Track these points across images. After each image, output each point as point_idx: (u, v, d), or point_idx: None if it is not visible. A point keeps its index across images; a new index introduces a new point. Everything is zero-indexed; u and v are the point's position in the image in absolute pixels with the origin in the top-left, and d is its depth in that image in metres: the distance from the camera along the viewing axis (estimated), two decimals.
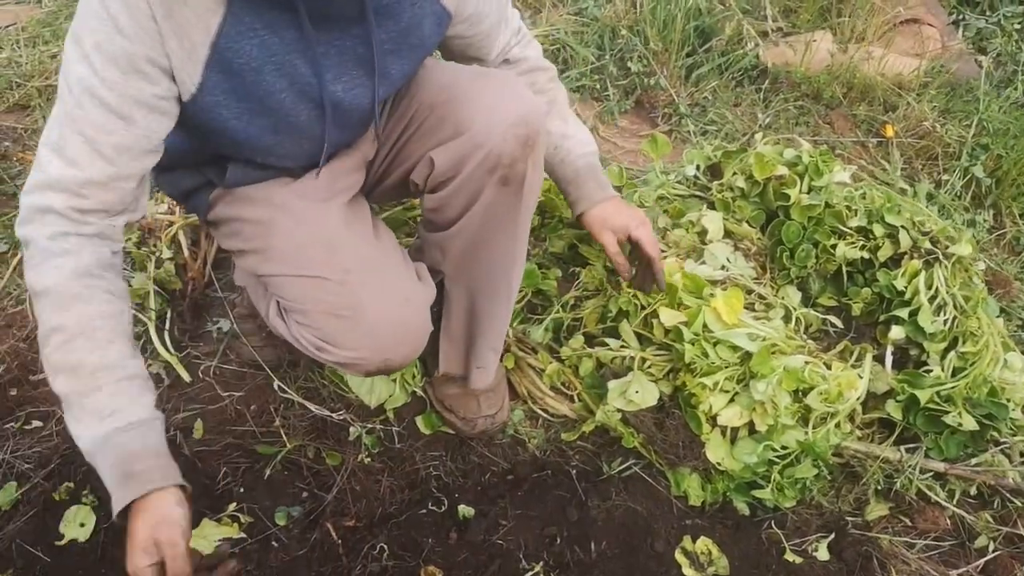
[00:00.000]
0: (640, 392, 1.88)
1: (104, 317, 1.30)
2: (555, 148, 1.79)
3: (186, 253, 2.12)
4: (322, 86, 1.39)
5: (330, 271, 1.50)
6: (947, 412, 1.90)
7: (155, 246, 2.13)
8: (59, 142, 1.25)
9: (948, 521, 1.85)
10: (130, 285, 2.05)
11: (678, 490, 1.86)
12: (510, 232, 1.65)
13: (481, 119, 1.51)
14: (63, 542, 1.61)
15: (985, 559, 1.79)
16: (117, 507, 1.26)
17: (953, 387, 1.93)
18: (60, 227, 1.27)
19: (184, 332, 2.02)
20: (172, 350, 1.95)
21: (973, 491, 1.92)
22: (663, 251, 2.13)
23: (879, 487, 1.89)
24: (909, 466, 1.88)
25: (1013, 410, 1.96)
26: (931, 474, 1.92)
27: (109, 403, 1.28)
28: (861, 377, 1.94)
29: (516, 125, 1.50)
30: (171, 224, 2.15)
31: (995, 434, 1.95)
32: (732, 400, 1.85)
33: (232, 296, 2.06)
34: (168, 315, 2.02)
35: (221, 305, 2.10)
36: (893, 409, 1.94)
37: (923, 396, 1.90)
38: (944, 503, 1.88)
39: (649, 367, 1.94)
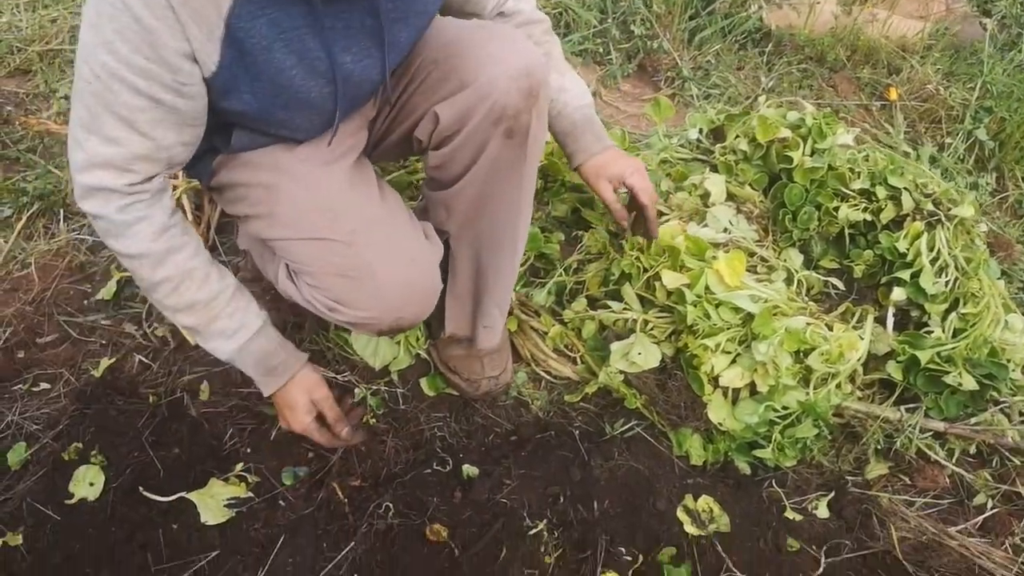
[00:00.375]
0: (642, 354, 1.90)
1: (193, 257, 1.48)
2: (552, 101, 1.77)
3: (189, 217, 2.12)
4: (332, 60, 1.38)
5: (337, 232, 1.51)
6: (947, 372, 1.91)
7: None
8: (93, 122, 1.28)
9: (947, 479, 1.87)
10: None
11: (680, 450, 1.87)
12: (515, 185, 1.65)
13: (485, 72, 1.51)
14: (73, 501, 1.63)
15: (983, 516, 1.81)
16: (267, 392, 1.63)
17: (953, 348, 1.94)
18: (122, 201, 1.36)
19: None
20: None
21: (972, 450, 1.94)
22: (666, 213, 2.14)
23: (879, 447, 1.91)
24: (909, 426, 1.90)
25: (1013, 370, 1.98)
26: (931, 434, 1.94)
27: (230, 324, 1.54)
28: (862, 338, 1.96)
29: (519, 77, 1.50)
30: (174, 188, 2.15)
31: (995, 394, 1.97)
32: (734, 361, 1.86)
33: (236, 260, 2.07)
34: None
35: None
36: (894, 370, 1.96)
37: (924, 357, 1.91)
38: (943, 462, 1.89)
39: (651, 329, 1.95)
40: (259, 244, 1.74)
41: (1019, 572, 1.71)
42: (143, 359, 1.90)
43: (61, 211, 2.19)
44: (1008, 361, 1.97)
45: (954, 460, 1.91)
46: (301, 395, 1.64)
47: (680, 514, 1.74)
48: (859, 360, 1.92)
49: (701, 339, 1.84)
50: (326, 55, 1.37)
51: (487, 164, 1.59)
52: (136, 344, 1.93)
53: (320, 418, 1.67)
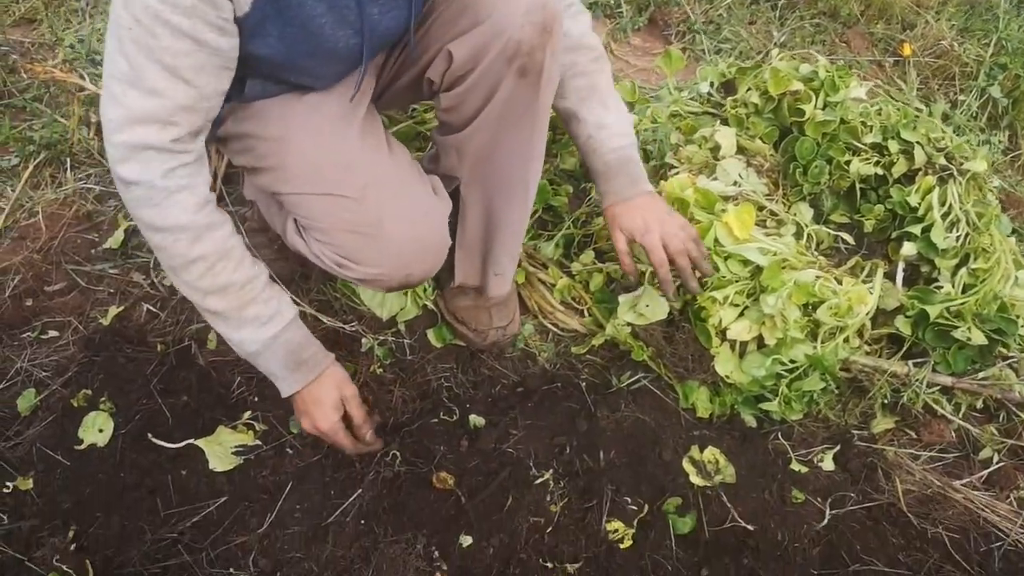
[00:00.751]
0: (650, 306, 1.89)
1: (230, 235, 1.43)
2: (588, 138, 1.74)
3: None
4: (361, 10, 1.37)
5: (347, 188, 1.50)
6: (956, 327, 1.90)
7: None
8: (133, 73, 1.24)
9: (953, 434, 1.87)
10: None
11: (686, 403, 1.88)
12: (528, 127, 1.62)
13: (499, 8, 1.48)
14: (82, 447, 1.64)
15: (989, 470, 1.81)
16: (291, 389, 1.54)
17: (963, 303, 1.93)
18: (167, 163, 1.31)
19: None
20: None
21: (979, 405, 1.94)
22: (675, 167, 2.12)
23: (886, 401, 1.91)
24: (916, 380, 1.89)
25: (1022, 326, 1.96)
26: (938, 388, 1.93)
27: (265, 310, 1.47)
28: (871, 292, 1.95)
29: (533, 11, 1.47)
30: None
31: (1003, 350, 1.96)
32: (742, 314, 1.86)
33: (243, 210, 2.06)
34: None
35: (232, 220, 2.10)
36: (902, 324, 1.95)
37: (933, 312, 1.90)
38: (950, 416, 1.89)
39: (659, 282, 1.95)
40: (266, 196, 1.73)
41: (1023, 525, 1.71)
42: (151, 308, 1.90)
43: (68, 160, 2.18)
44: (1017, 317, 1.96)
45: (960, 415, 1.91)
46: (331, 391, 1.56)
47: (686, 465, 1.74)
48: (868, 314, 1.92)
49: (709, 292, 1.84)
50: (355, 4, 1.36)
51: (500, 105, 1.56)
52: (144, 293, 1.93)
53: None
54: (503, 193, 1.73)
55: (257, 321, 1.47)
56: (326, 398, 1.55)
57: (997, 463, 1.82)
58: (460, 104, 1.59)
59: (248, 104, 1.54)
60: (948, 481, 1.78)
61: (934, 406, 1.91)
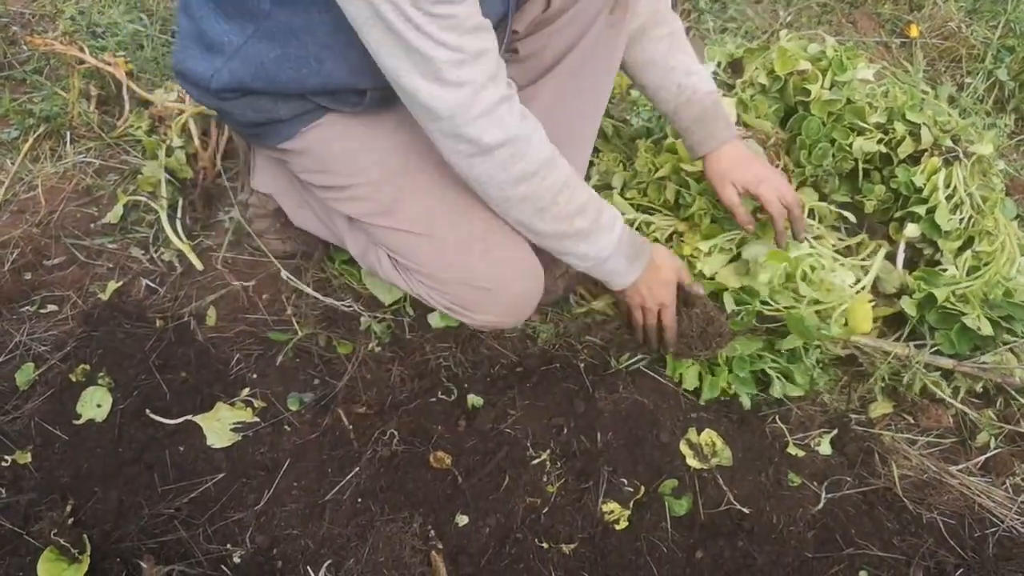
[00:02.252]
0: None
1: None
2: (679, 86, 1.74)
3: (196, 142, 2.10)
4: None
5: (464, 239, 1.57)
6: (963, 313, 1.90)
7: (165, 134, 2.11)
8: (458, 52, 1.25)
9: (951, 419, 1.87)
10: (141, 173, 2.04)
11: (673, 374, 1.88)
12: (603, 73, 1.64)
13: None
14: (80, 421, 1.65)
15: (985, 456, 1.81)
16: (634, 276, 1.65)
17: (968, 286, 1.93)
18: (513, 108, 1.36)
19: (196, 221, 2.02)
20: (184, 238, 1.96)
21: (979, 389, 1.93)
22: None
23: (884, 384, 1.90)
24: (917, 362, 1.89)
25: None
26: (938, 371, 1.93)
27: (608, 214, 1.55)
28: (867, 272, 1.95)
29: None
30: (181, 112, 2.13)
31: (1008, 336, 1.95)
32: (728, 263, 1.87)
33: (243, 196, 2.03)
34: (180, 204, 2.02)
35: (232, 195, 2.09)
36: (908, 305, 1.94)
37: (940, 295, 1.90)
38: (949, 400, 1.89)
39: (652, 230, 1.98)
40: (314, 199, 1.74)
41: (1019, 510, 1.71)
42: (150, 283, 1.90)
43: (68, 133, 2.17)
44: None
45: (959, 399, 1.91)
46: (668, 259, 1.70)
47: (683, 447, 1.75)
48: (856, 291, 1.92)
49: (699, 241, 1.86)
50: None
51: (587, 47, 1.57)
52: (143, 268, 1.93)
53: None
54: (565, 151, 1.64)
55: (608, 227, 1.54)
56: (667, 272, 1.69)
57: (994, 449, 1.82)
58: (542, 50, 1.57)
59: (347, 122, 1.54)
60: (944, 467, 1.78)
61: (933, 388, 1.90)
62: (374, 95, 1.48)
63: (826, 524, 1.68)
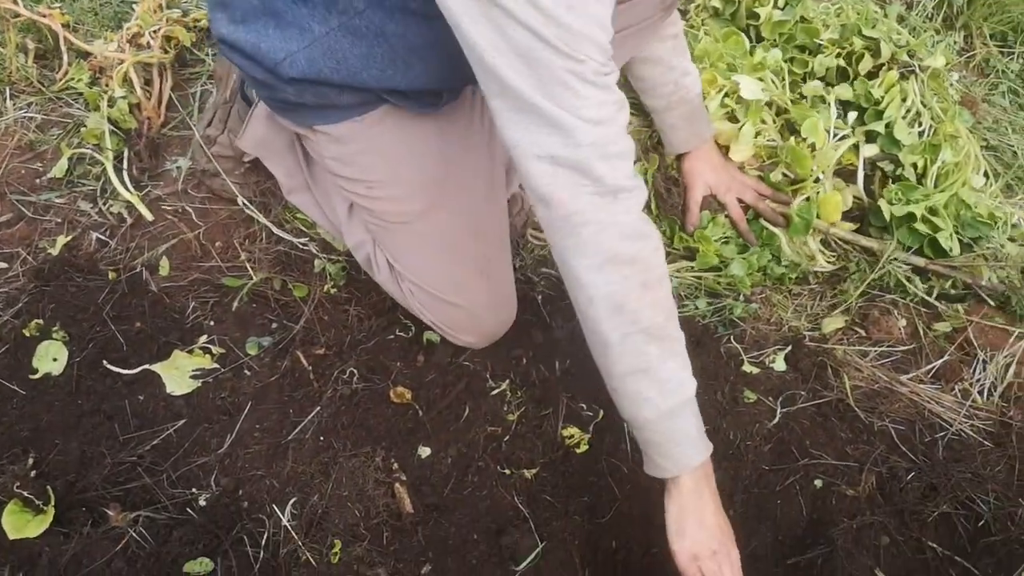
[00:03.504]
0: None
1: None
2: (675, 84, 1.81)
3: (139, 92, 2.07)
4: None
5: (470, 264, 1.61)
6: (938, 229, 1.95)
7: (107, 85, 2.07)
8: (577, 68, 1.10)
9: (901, 331, 1.90)
10: (84, 126, 2.01)
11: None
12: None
13: None
14: (37, 376, 1.65)
15: (935, 364, 1.85)
16: (703, 456, 1.28)
17: (940, 197, 1.98)
18: (629, 153, 1.20)
19: (143, 171, 1.99)
20: (132, 189, 1.94)
21: (948, 286, 1.97)
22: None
23: (858, 270, 1.95)
24: (891, 258, 1.93)
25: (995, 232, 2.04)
26: (910, 268, 1.98)
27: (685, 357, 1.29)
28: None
29: None
30: (121, 62, 2.08)
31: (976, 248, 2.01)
32: None
33: (210, 131, 1.97)
34: (125, 155, 1.99)
35: (179, 144, 2.07)
36: (885, 209, 1.97)
37: (917, 210, 1.93)
38: (913, 304, 1.92)
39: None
40: (315, 179, 1.77)
41: (967, 414, 1.76)
42: (100, 236, 1.88)
43: (7, 89, 2.12)
44: (994, 220, 2.04)
45: (934, 296, 1.95)
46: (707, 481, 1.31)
47: None
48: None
49: None
50: None
51: (633, 36, 1.56)
52: (92, 222, 1.91)
53: None
54: None
55: (685, 352, 1.28)
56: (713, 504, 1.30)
57: (945, 356, 1.85)
58: None
59: (390, 120, 1.51)
60: (895, 376, 1.82)
61: (907, 284, 1.94)
62: (450, 96, 1.47)
63: (782, 437, 1.72)
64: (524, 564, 1.49)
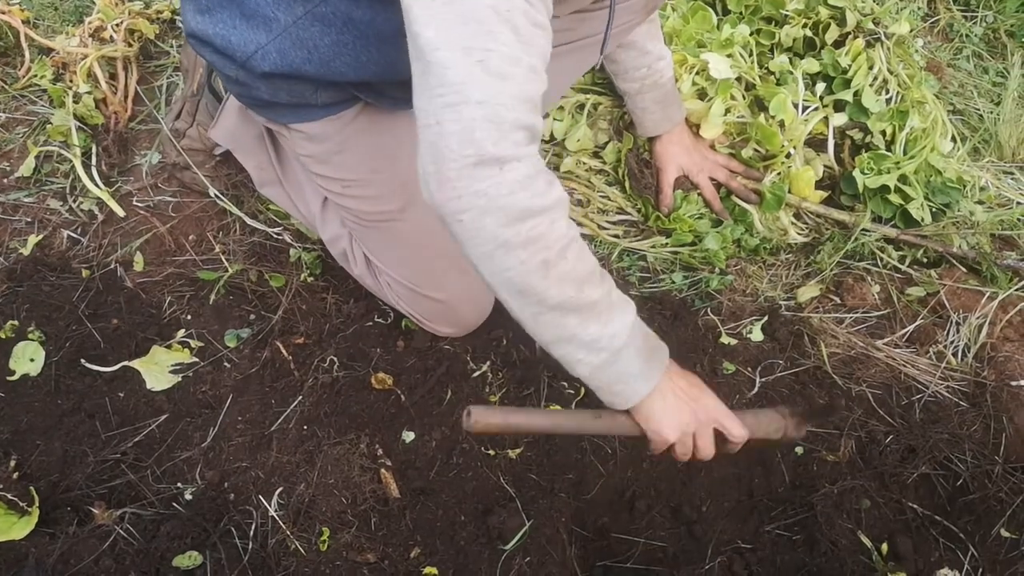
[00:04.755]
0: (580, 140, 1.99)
1: None
2: (649, 69, 1.83)
3: (104, 87, 2.04)
4: None
5: (448, 258, 1.60)
6: (910, 199, 1.98)
7: (71, 81, 2.04)
8: (521, 39, 1.04)
9: (875, 297, 1.92)
10: (50, 123, 1.98)
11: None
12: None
13: None
14: (15, 377, 1.64)
15: (910, 328, 1.87)
16: (651, 383, 1.22)
17: (910, 164, 2.00)
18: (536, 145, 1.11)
19: (112, 167, 1.97)
20: (102, 185, 1.92)
21: (919, 255, 2.00)
22: None
23: (831, 252, 1.96)
24: (862, 229, 1.96)
25: (965, 197, 2.06)
26: (882, 237, 2.01)
27: (618, 292, 1.22)
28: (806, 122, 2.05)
29: None
30: (85, 57, 2.06)
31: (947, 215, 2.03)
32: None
33: (178, 124, 1.95)
34: (94, 151, 1.97)
35: (147, 138, 2.05)
36: (859, 179, 1.99)
37: (889, 180, 1.94)
38: (871, 283, 1.95)
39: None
40: (287, 173, 1.76)
41: (942, 376, 1.79)
42: (72, 234, 1.86)
43: None
44: (963, 184, 2.06)
45: (907, 264, 1.97)
46: (683, 377, 1.29)
47: None
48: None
49: None
50: None
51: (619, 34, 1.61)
52: (63, 220, 1.89)
53: None
54: None
55: (623, 303, 1.21)
56: (688, 385, 1.28)
57: (919, 320, 1.88)
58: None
59: (357, 116, 1.50)
60: (871, 341, 1.84)
61: (880, 254, 1.97)
62: None
63: (761, 406, 1.73)
64: (512, 543, 1.51)
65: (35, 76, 2.08)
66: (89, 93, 2.00)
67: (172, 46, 2.23)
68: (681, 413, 1.25)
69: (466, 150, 1.02)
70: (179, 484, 1.55)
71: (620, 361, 1.19)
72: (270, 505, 1.51)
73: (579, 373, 1.21)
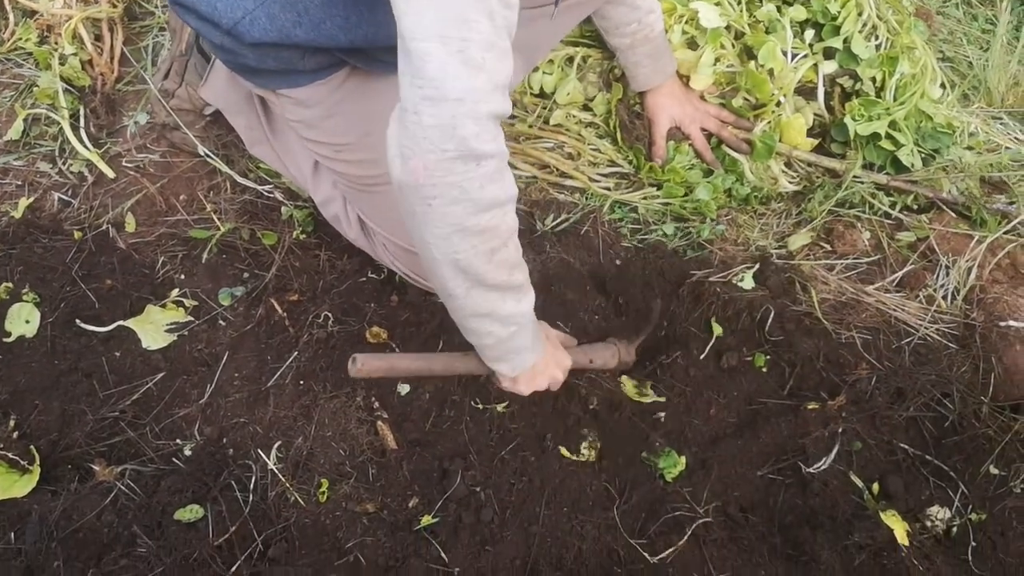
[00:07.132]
0: (570, 94, 2.00)
1: None
2: (638, 23, 1.82)
3: (90, 48, 2.03)
4: None
5: None
6: (900, 145, 1.98)
7: (56, 43, 2.02)
8: (495, 32, 1.07)
9: (866, 243, 1.93)
10: (37, 85, 1.97)
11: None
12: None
13: None
14: (11, 339, 1.65)
15: (899, 273, 1.88)
16: (538, 354, 1.44)
17: (899, 110, 2.00)
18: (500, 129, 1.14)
19: (100, 128, 1.96)
20: (91, 147, 1.91)
21: (910, 201, 2.00)
22: None
23: (821, 201, 1.97)
24: (853, 176, 1.96)
25: (954, 142, 2.06)
26: (873, 184, 2.01)
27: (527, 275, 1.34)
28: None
29: None
30: (69, 18, 2.04)
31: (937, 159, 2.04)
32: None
33: (167, 84, 1.93)
34: (82, 112, 1.96)
35: (135, 98, 2.04)
36: (851, 127, 1.98)
37: (879, 127, 1.95)
38: (862, 229, 1.95)
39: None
40: (276, 135, 1.73)
41: (932, 319, 1.80)
42: (62, 196, 1.86)
43: None
44: (953, 130, 2.05)
45: (897, 210, 1.98)
46: (554, 339, 1.56)
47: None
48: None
49: None
50: None
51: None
52: (53, 182, 1.89)
53: None
54: None
55: (529, 285, 1.35)
56: (558, 347, 1.55)
57: (909, 265, 1.89)
58: None
59: (359, 86, 1.49)
60: (861, 287, 1.85)
61: (871, 200, 1.97)
62: None
63: None
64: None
65: (20, 39, 2.06)
66: (75, 55, 1.99)
67: (157, 6, 2.20)
68: (544, 374, 1.48)
69: (446, 144, 1.06)
70: (178, 440, 1.57)
71: (521, 336, 1.37)
72: (269, 459, 1.53)
73: (483, 343, 1.36)
